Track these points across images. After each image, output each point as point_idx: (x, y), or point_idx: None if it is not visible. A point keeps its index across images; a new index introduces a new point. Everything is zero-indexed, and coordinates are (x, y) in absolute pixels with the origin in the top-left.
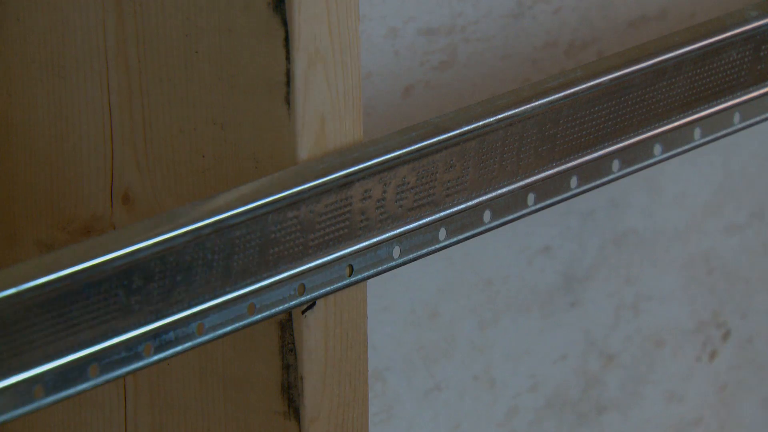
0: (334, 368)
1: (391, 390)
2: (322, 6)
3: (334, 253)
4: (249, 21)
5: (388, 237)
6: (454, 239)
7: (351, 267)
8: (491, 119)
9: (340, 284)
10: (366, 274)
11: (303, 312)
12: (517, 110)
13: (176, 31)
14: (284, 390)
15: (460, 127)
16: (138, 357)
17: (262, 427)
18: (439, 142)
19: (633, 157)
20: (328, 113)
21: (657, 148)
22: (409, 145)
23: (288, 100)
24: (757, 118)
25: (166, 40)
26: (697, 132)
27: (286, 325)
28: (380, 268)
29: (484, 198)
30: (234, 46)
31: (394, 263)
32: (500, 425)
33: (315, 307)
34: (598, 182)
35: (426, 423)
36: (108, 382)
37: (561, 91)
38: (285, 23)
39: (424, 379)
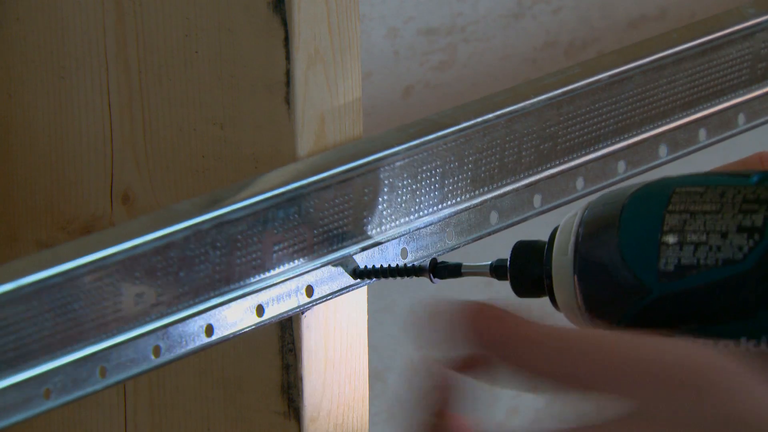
0: (334, 368)
1: (391, 390)
2: (322, 6)
3: (337, 252)
4: (249, 21)
5: (394, 236)
6: (462, 241)
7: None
8: (490, 115)
9: (346, 285)
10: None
11: (303, 312)
12: (516, 106)
13: (176, 31)
14: (284, 390)
15: (459, 123)
16: (147, 359)
17: (262, 427)
18: (438, 138)
19: (639, 158)
20: (328, 113)
21: (662, 149)
22: (408, 141)
23: (288, 100)
24: (762, 119)
25: (166, 40)
26: (702, 133)
27: (286, 325)
28: None
29: (488, 197)
30: (234, 46)
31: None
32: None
33: (315, 307)
34: (605, 183)
35: None
36: (118, 383)
37: (560, 87)
38: (285, 23)
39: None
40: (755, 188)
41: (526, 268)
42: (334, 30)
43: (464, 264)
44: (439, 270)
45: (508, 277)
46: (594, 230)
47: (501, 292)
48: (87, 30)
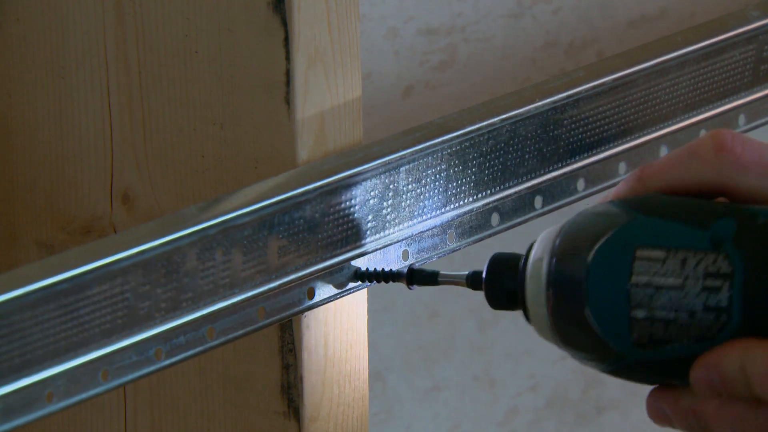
0: (334, 368)
1: (391, 390)
2: (322, 6)
3: (341, 255)
4: (249, 21)
5: (396, 239)
6: (464, 242)
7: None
8: (495, 119)
9: (348, 288)
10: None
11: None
12: (521, 110)
13: (176, 31)
14: (284, 390)
15: (464, 127)
16: (149, 361)
17: (261, 427)
18: (443, 142)
19: (639, 159)
20: (327, 113)
21: (663, 151)
22: (413, 145)
23: (288, 99)
24: (763, 120)
25: (166, 40)
26: (703, 134)
27: (285, 325)
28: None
29: (491, 199)
30: (234, 46)
31: (404, 266)
32: (500, 425)
33: (315, 308)
34: (605, 184)
35: (426, 423)
36: (120, 386)
37: (564, 91)
38: (285, 23)
39: (424, 379)
40: (715, 257)
41: (501, 283)
42: (334, 30)
43: (441, 272)
44: (416, 277)
45: (483, 288)
46: (562, 293)
47: None
48: (87, 30)
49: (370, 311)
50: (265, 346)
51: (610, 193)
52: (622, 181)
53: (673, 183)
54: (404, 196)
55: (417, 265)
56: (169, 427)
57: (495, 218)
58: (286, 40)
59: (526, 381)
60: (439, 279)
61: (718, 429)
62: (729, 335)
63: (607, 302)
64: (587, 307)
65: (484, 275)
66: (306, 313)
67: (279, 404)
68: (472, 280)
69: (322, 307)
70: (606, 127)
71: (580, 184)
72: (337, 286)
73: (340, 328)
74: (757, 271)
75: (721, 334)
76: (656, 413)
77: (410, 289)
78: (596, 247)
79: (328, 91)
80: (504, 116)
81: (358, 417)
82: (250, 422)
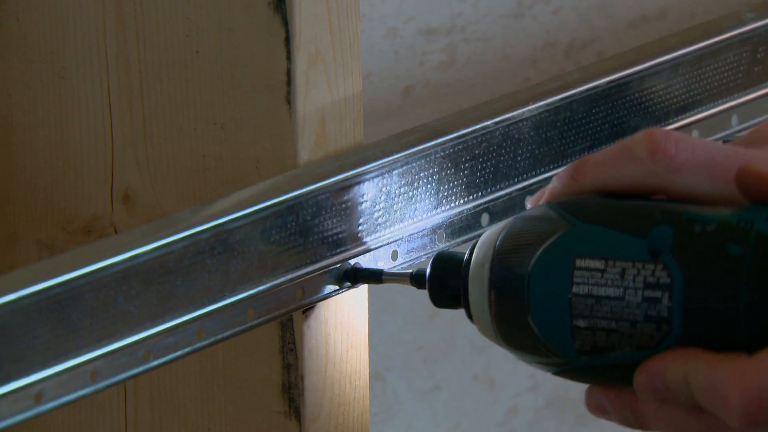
0: (335, 368)
1: (391, 390)
2: (322, 6)
3: (333, 257)
4: (249, 21)
5: (387, 241)
6: (453, 242)
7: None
8: (489, 122)
9: (341, 289)
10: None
11: (303, 311)
12: (514, 113)
13: (176, 31)
14: (285, 390)
15: (458, 130)
16: (138, 362)
17: (262, 427)
18: (437, 145)
19: None
20: (328, 113)
21: None
22: (407, 148)
23: (288, 99)
24: (755, 120)
25: (166, 40)
26: (695, 135)
27: (286, 325)
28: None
29: (481, 201)
30: (234, 45)
31: (393, 266)
32: (500, 425)
33: (315, 308)
34: None
35: (426, 423)
36: (108, 387)
37: (558, 94)
38: (285, 23)
39: (424, 379)
40: (653, 267)
41: (444, 283)
42: (335, 30)
43: (385, 270)
44: (360, 276)
45: (426, 287)
46: (504, 300)
47: None
48: (87, 30)
49: (370, 311)
50: (266, 346)
51: (546, 190)
52: (556, 177)
53: (608, 183)
54: (396, 199)
55: (361, 264)
56: (170, 427)
57: (485, 218)
58: (287, 40)
59: (526, 381)
60: (383, 277)
61: (656, 427)
62: (670, 344)
63: (549, 312)
64: (529, 315)
65: (427, 274)
66: (307, 313)
67: (280, 404)
68: (416, 279)
69: (323, 307)
70: (599, 129)
71: None
72: (327, 287)
73: (341, 328)
74: (695, 281)
75: (663, 343)
76: (595, 405)
77: (355, 287)
78: (536, 256)
79: (328, 91)
80: (497, 119)
81: (359, 417)
82: (251, 422)
